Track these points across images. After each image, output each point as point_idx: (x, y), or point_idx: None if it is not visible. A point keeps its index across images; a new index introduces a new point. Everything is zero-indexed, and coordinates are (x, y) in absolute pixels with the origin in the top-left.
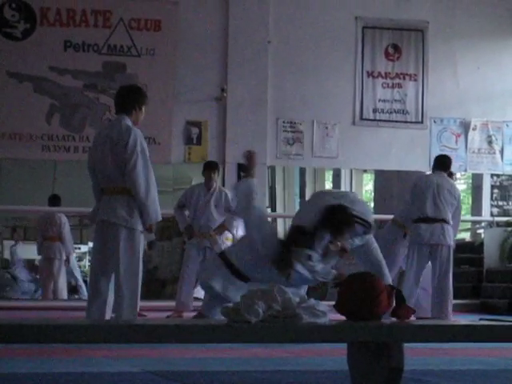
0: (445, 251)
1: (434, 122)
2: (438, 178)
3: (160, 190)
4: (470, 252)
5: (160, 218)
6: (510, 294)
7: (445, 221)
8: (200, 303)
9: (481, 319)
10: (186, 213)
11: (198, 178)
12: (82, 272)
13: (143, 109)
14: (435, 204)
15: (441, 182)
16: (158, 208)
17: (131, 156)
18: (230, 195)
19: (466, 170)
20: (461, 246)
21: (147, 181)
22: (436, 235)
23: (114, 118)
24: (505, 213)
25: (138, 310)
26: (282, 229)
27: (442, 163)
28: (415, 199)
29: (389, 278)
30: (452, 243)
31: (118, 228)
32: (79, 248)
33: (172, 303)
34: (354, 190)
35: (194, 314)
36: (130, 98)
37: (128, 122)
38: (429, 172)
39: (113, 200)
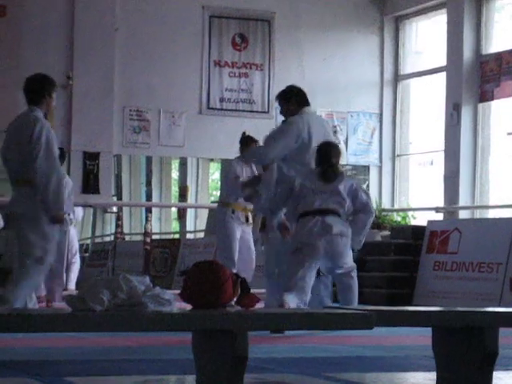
0: None
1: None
2: None
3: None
4: None
5: (63, 210)
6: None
7: None
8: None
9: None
10: None
11: None
12: None
13: (53, 95)
14: None
15: None
16: (61, 199)
17: (34, 147)
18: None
19: None
20: None
21: (48, 173)
22: None
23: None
24: None
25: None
26: (127, 215)
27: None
28: None
29: None
30: None
31: (23, 218)
32: None
33: None
34: (200, 179)
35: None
36: (38, 89)
37: (38, 113)
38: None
39: (17, 192)
